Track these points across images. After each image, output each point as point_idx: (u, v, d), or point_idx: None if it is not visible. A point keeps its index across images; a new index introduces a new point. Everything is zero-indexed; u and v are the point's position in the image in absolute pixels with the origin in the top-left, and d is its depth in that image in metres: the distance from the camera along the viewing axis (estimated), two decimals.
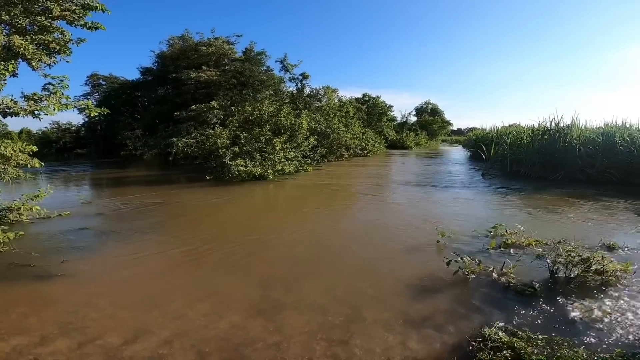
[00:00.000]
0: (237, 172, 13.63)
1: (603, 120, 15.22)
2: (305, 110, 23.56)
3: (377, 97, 42.35)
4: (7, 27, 7.10)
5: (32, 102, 6.10)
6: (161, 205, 9.86)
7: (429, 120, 53.36)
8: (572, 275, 4.57)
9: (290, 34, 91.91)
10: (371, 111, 39.91)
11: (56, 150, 31.24)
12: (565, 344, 3.10)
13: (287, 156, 16.24)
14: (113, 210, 9.12)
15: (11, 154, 6.05)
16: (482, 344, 3.18)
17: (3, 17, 6.87)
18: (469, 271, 4.84)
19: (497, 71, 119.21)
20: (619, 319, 3.66)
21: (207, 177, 13.77)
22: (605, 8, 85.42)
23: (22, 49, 6.59)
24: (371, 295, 4.46)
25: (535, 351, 2.97)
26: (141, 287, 4.72)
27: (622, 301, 4.08)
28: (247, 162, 14.28)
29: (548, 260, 4.84)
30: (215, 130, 15.78)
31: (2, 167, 6.25)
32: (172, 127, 21.61)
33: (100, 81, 33.36)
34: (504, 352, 3.00)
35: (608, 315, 3.73)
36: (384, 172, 19.51)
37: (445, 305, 4.13)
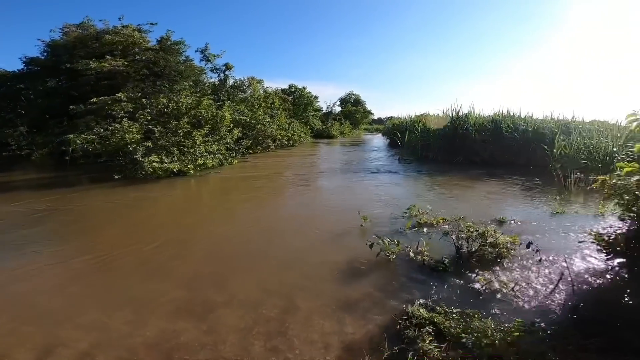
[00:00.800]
0: (151, 170, 12.34)
1: (493, 110, 17.88)
2: (229, 102, 22.54)
3: (303, 88, 42.94)
4: None
5: None
6: (60, 211, 8.46)
7: (352, 110, 56.28)
8: (473, 250, 5.13)
9: (212, 24, 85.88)
10: (297, 102, 40.23)
11: None
12: (476, 316, 3.39)
13: (209, 150, 15.37)
14: None
15: None
16: (407, 322, 3.47)
17: None
18: (390, 252, 5.27)
19: (410, 64, 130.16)
20: (514, 289, 4.10)
21: (115, 177, 12.16)
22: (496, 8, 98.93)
23: None
24: (303, 284, 4.54)
25: (453, 324, 3.26)
26: (44, 300, 4.12)
27: (514, 272, 4.61)
28: (164, 157, 13.04)
29: (453, 237, 5.42)
30: (123, 124, 13.96)
31: None
32: (67, 122, 18.55)
33: None
34: (427, 327, 3.30)
35: (505, 286, 4.16)
36: (310, 161, 19.89)
37: (373, 287, 4.43)
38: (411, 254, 5.27)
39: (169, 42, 23.18)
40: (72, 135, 14.69)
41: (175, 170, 12.95)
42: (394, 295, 4.17)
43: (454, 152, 16.39)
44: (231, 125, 18.07)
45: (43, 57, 22.62)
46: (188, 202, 10.25)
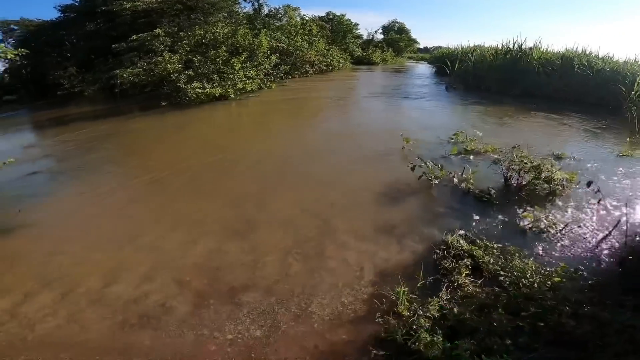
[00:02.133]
0: (194, 95, 12.94)
1: (564, 47, 15.28)
2: (265, 30, 21.74)
3: (342, 15, 40.07)
4: None
5: None
6: (114, 137, 9.17)
7: (396, 38, 52.07)
8: (524, 183, 4.74)
9: None
10: (336, 29, 37.96)
11: None
12: (517, 254, 3.25)
13: (248, 75, 15.54)
14: (61, 150, 8.36)
15: None
16: (445, 252, 3.40)
17: None
18: (433, 176, 5.10)
19: None
20: (563, 232, 3.76)
21: (162, 103, 12.89)
22: None
23: None
24: (341, 205, 4.59)
25: (491, 260, 3.14)
26: (108, 224, 4.54)
27: (566, 212, 4.20)
28: (205, 84, 13.52)
29: (503, 167, 5.01)
30: (165, 56, 14.40)
31: None
32: (112, 60, 19.36)
33: (12, 26, 28.12)
34: (465, 260, 3.22)
35: (554, 226, 3.84)
36: (349, 85, 19.20)
37: (412, 212, 4.38)
38: (455, 180, 5.10)
39: None
40: (118, 71, 15.46)
41: (216, 94, 13.43)
42: (433, 223, 4.08)
43: (511, 84, 14.67)
44: (268, 52, 17.83)
45: (76, 4, 22.93)
46: (230, 124, 10.60)
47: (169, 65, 13.71)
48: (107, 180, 5.98)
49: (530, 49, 15.21)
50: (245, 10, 25.55)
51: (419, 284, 3.01)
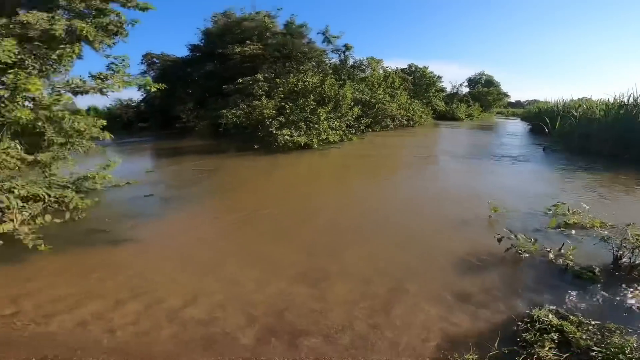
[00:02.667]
0: (283, 142, 14.12)
1: None
2: (349, 81, 23.27)
3: (425, 67, 40.33)
4: (66, 12, 7.59)
5: (99, 80, 6.64)
6: (214, 173, 10.51)
7: (483, 92, 49.76)
8: (637, 262, 4.17)
9: (331, 5, 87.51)
10: (418, 82, 38.22)
11: (121, 125, 34.16)
12: (618, 331, 2.93)
13: (332, 126, 16.44)
14: (172, 178, 9.96)
15: (84, 128, 6.57)
16: (529, 325, 3.09)
17: (61, 2, 7.33)
18: (523, 249, 4.61)
19: (562, 42, 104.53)
20: None
21: (255, 146, 14.44)
22: None
23: (84, 32, 7.08)
24: (415, 267, 4.46)
25: (584, 336, 2.87)
26: (198, 251, 5.11)
27: None
28: (293, 131, 14.71)
29: (613, 244, 4.42)
30: (262, 101, 16.35)
31: (77, 140, 6.79)
32: (221, 100, 22.77)
33: (154, 60, 35.18)
34: (552, 334, 2.90)
35: None
36: (431, 142, 18.84)
37: (493, 282, 4.02)
38: (550, 256, 4.50)
39: (293, 26, 25.50)
40: (224, 111, 18.01)
41: (302, 143, 14.44)
42: (517, 296, 3.72)
43: (627, 146, 12.62)
44: (352, 103, 18.73)
45: (201, 45, 27.90)
46: (312, 173, 11.24)
47: (265, 111, 15.36)
48: (204, 212, 6.86)
49: None
50: (332, 61, 27.76)
51: (491, 353, 2.76)
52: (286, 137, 14.20)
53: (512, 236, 4.74)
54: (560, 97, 20.30)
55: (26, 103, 5.66)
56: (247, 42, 23.28)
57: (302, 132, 14.92)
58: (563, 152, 14.20)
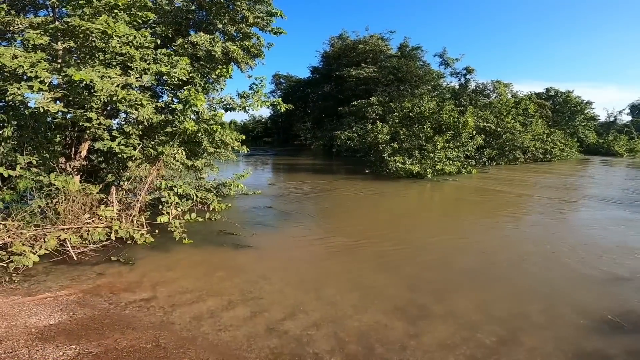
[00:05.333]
0: (395, 168, 13.82)
1: None
2: (471, 107, 21.13)
3: (568, 91, 33.55)
4: (222, 35, 9.14)
5: (244, 99, 7.62)
6: (326, 193, 11.06)
7: None
8: None
9: (447, 25, 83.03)
10: (560, 109, 32.18)
11: (251, 138, 39.78)
12: None
13: (449, 156, 15.30)
14: (289, 193, 10.87)
15: (230, 141, 7.66)
16: None
17: (218, 26, 8.86)
18: None
19: None
20: None
21: (367, 171, 14.63)
22: None
23: (235, 54, 8.52)
24: (536, 320, 3.79)
25: None
26: (305, 268, 5.37)
27: None
28: (406, 159, 14.27)
29: None
30: (377, 125, 16.27)
31: (222, 150, 7.95)
32: (336, 121, 24.07)
33: (281, 80, 39.94)
34: None
35: None
36: (574, 182, 15.34)
37: (635, 350, 3.20)
38: None
39: (407, 48, 25.32)
40: (338, 132, 18.74)
41: (414, 172, 13.81)
42: None
43: None
44: (473, 132, 17.00)
45: (320, 67, 30.18)
46: (423, 205, 10.66)
47: (379, 135, 15.16)
48: (314, 232, 7.20)
49: None
50: (450, 84, 26.32)
51: None
52: (398, 164, 13.85)
53: None
54: None
55: (192, 116, 6.76)
56: (362, 64, 24.15)
57: (416, 160, 14.33)
58: None
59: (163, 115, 6.51)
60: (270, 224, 7.57)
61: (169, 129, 6.44)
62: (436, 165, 14.31)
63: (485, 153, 18.44)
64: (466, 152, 16.47)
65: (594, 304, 4.14)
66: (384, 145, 14.91)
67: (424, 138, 15.15)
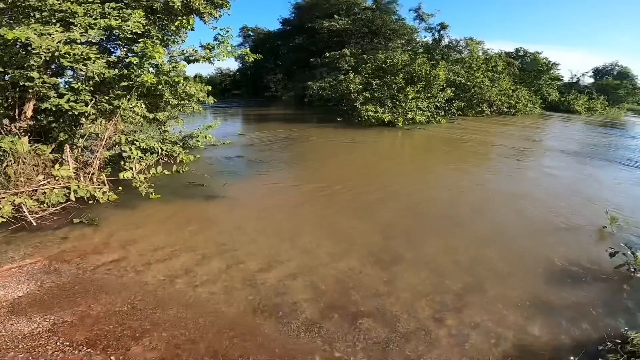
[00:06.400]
0: (366, 117, 14.18)
1: None
2: (443, 61, 21.48)
3: (537, 53, 34.66)
4: None
5: (208, 50, 7.24)
6: (298, 141, 11.04)
7: (614, 84, 40.61)
8: None
9: None
10: (527, 68, 33.27)
11: (219, 91, 38.06)
12: None
13: (420, 106, 15.83)
14: (261, 142, 10.73)
15: (194, 92, 7.40)
16: (618, 346, 2.86)
17: None
18: (638, 268, 3.98)
19: None
20: None
21: (338, 119, 14.83)
22: None
23: (196, 4, 7.75)
24: (500, 268, 4.09)
25: None
26: (279, 216, 5.43)
27: None
28: (378, 108, 14.62)
29: None
30: (349, 75, 16.55)
31: (187, 102, 7.70)
32: (308, 72, 23.75)
33: (249, 32, 37.71)
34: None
35: None
36: (536, 135, 16.28)
37: (590, 298, 3.57)
38: None
39: (383, 1, 24.91)
40: (310, 83, 18.69)
41: (386, 120, 14.27)
42: (613, 315, 3.29)
43: None
44: (444, 84, 17.56)
45: (292, 18, 28.92)
46: (394, 153, 10.99)
47: (351, 85, 15.38)
48: (287, 179, 7.26)
49: None
50: (424, 39, 26.35)
51: None
52: (370, 112, 14.18)
53: (629, 252, 4.06)
54: None
55: (150, 69, 6.42)
56: (335, 16, 23.47)
57: (387, 110, 14.72)
58: None
59: (117, 70, 6.07)
60: (241, 173, 7.54)
61: (124, 83, 6.05)
62: (407, 114, 14.82)
63: (454, 105, 19.21)
64: (436, 103, 17.04)
65: (551, 251, 4.48)
66: (356, 94, 15.16)
67: (395, 88, 15.43)
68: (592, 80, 42.72)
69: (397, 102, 15.17)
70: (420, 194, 6.57)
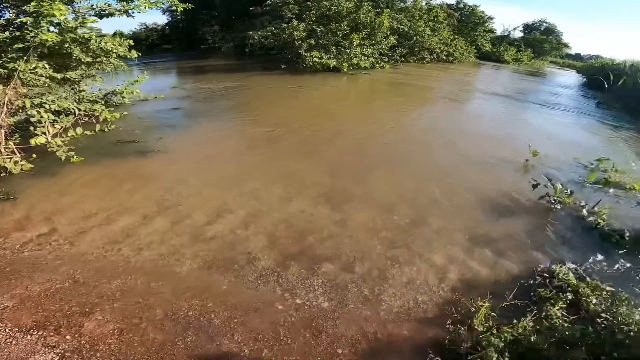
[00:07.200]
0: (312, 63, 14.01)
1: None
2: (387, 10, 21.33)
3: (475, 6, 36.08)
4: None
5: (125, 2, 6.37)
6: (240, 89, 10.38)
7: (540, 39, 44.42)
8: None
9: None
10: (465, 19, 34.59)
11: (146, 47, 33.95)
12: (627, 301, 2.85)
13: (364, 52, 15.95)
14: (198, 93, 9.86)
15: (111, 47, 6.55)
16: (547, 281, 3.08)
17: None
18: (557, 200, 4.42)
19: None
20: None
21: (282, 67, 14.36)
22: None
23: None
24: (441, 202, 4.36)
25: (595, 301, 2.86)
26: (223, 164, 5.12)
27: None
28: (323, 54, 14.48)
29: None
30: (293, 23, 15.75)
31: (105, 59, 6.89)
32: (248, 21, 21.92)
33: None
34: (567, 294, 2.88)
35: None
36: (469, 80, 17.46)
37: (520, 230, 3.91)
38: (583, 212, 4.31)
39: None
40: (251, 32, 17.34)
41: (331, 66, 14.23)
42: (541, 249, 3.63)
43: None
44: (388, 32, 17.75)
45: None
46: (340, 96, 10.96)
47: (295, 32, 14.76)
48: (230, 126, 6.82)
49: None
50: None
51: (504, 304, 2.78)
52: (315, 58, 14.04)
53: (549, 184, 4.52)
54: (631, 57, 17.88)
55: (52, 28, 5.65)
56: None
57: (332, 56, 14.68)
58: (619, 111, 12.72)
59: (8, 33, 5.50)
60: (178, 124, 6.94)
61: (19, 45, 5.34)
62: (352, 60, 14.93)
63: (397, 51, 19.58)
64: (380, 50, 17.34)
65: (483, 184, 4.84)
66: (300, 41, 14.73)
67: (340, 35, 15.24)
68: (521, 34, 46.05)
69: (342, 49, 15.15)
70: (366, 134, 6.69)
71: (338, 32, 15.24)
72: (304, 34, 15.00)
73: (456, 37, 28.66)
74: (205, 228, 3.60)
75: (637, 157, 6.81)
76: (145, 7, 6.48)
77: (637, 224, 4.13)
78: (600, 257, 3.55)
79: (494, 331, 2.44)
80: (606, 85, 15.95)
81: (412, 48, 21.46)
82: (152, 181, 4.58)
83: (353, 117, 8.04)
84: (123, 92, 7.83)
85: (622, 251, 3.68)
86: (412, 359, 2.37)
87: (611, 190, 5.05)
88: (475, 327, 2.52)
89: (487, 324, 2.54)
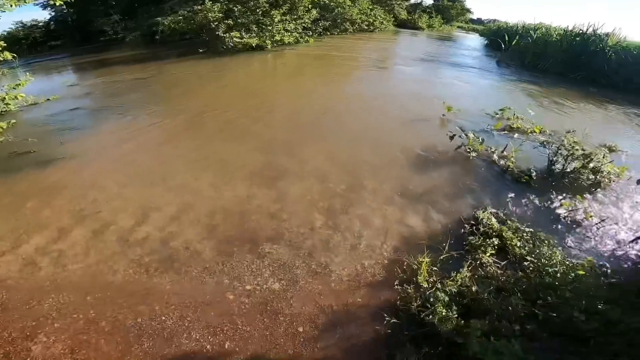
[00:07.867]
0: (232, 44, 13.20)
1: None
2: None
3: None
4: None
5: None
6: (155, 79, 9.37)
7: (447, 5, 48.71)
8: (569, 170, 4.40)
9: None
10: None
11: (27, 47, 28.99)
12: (547, 241, 3.13)
13: (287, 28, 15.46)
14: (102, 89, 8.64)
15: None
16: (474, 228, 3.32)
17: None
18: (471, 148, 4.88)
19: None
20: (598, 226, 3.51)
21: (200, 51, 13.20)
22: None
23: None
24: (372, 164, 4.53)
25: (519, 244, 3.08)
26: (142, 160, 4.65)
27: (607, 207, 3.87)
28: (243, 33, 13.71)
29: (550, 150, 4.65)
30: (206, 4, 14.34)
31: None
32: (154, 8, 19.59)
33: None
34: (493, 239, 3.12)
35: (590, 219, 3.58)
36: (390, 47, 18.32)
37: (444, 181, 4.24)
38: (494, 157, 4.82)
39: None
40: (160, 18, 15.51)
41: (253, 44, 13.56)
42: (465, 196, 3.94)
43: (574, 67, 13.19)
44: (309, 5, 17.43)
45: None
46: (266, 74, 10.56)
47: (209, 14, 13.61)
48: (145, 119, 6.14)
49: (607, 35, 13.44)
50: None
51: (442, 257, 2.95)
52: (235, 39, 13.22)
53: (463, 134, 4.98)
54: (521, 19, 20.24)
55: None
56: None
57: (254, 34, 13.96)
58: (516, 67, 14.41)
59: None
60: (82, 125, 6.05)
61: None
62: (275, 36, 14.42)
63: (320, 25, 19.56)
64: (303, 24, 17.00)
65: (408, 141, 5.16)
66: (217, 23, 13.62)
67: (260, 13, 14.47)
68: (432, 1, 49.36)
69: (264, 26, 14.48)
70: (294, 108, 6.66)
71: (257, 10, 14.50)
72: (220, 14, 13.92)
73: (375, 6, 29.51)
74: (133, 230, 3.29)
75: (533, 105, 7.78)
76: (11, 6, 5.79)
77: (540, 163, 4.71)
78: (513, 196, 3.93)
79: (439, 285, 2.59)
80: (503, 46, 17.82)
81: (334, 20, 21.54)
82: (61, 191, 3.99)
83: (282, 93, 7.86)
84: (5, 97, 6.72)
85: (532, 190, 4.12)
86: (370, 324, 2.46)
87: (515, 135, 5.72)
88: (421, 283, 2.67)
89: (431, 280, 2.70)
